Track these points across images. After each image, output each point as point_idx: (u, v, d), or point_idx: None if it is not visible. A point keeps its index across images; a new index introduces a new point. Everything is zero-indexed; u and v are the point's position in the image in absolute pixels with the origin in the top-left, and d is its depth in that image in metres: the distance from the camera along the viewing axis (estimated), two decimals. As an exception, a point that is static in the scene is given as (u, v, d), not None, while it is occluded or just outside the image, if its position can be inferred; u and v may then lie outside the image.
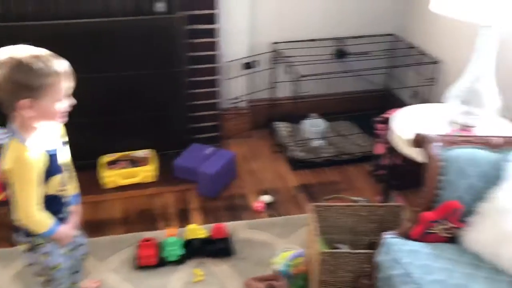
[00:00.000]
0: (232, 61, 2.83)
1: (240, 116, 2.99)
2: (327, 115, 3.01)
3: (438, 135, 1.60)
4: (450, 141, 1.59)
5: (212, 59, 2.70)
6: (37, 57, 1.31)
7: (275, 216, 2.39)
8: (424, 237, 1.54)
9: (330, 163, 2.78)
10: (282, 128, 3.00)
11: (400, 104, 2.70)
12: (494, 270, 1.41)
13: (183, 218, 2.37)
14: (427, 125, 2.03)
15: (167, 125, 2.70)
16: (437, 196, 1.55)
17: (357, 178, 2.70)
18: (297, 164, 2.76)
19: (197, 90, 2.75)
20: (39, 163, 1.38)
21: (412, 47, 2.91)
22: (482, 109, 1.92)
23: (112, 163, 2.57)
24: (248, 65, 2.89)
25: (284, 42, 2.90)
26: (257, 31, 2.89)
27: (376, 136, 2.60)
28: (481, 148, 1.59)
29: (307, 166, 2.76)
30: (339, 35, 3.01)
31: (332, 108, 3.11)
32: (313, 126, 2.83)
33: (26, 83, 1.30)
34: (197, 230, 2.16)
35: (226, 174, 2.58)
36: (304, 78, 2.61)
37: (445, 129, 1.96)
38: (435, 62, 2.73)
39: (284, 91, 2.97)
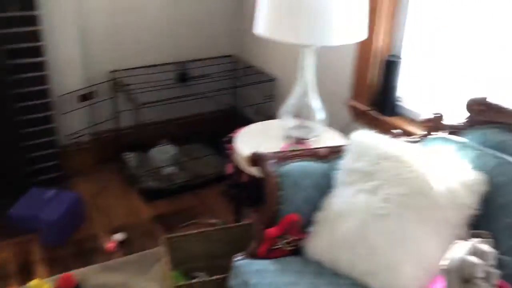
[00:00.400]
0: (66, 94, 2.64)
1: (83, 152, 2.80)
2: (178, 140, 2.97)
3: (271, 152, 1.65)
4: (283, 157, 1.65)
5: (43, 94, 2.49)
6: None
7: (129, 254, 2.27)
8: (270, 254, 1.57)
9: (184, 189, 2.74)
10: (131, 158, 2.88)
11: (247, 121, 2.77)
12: (335, 275, 1.48)
13: (25, 274, 2.12)
14: (265, 141, 2.10)
15: (-1, 171, 2.42)
16: (278, 212, 1.60)
17: (212, 201, 2.69)
18: (150, 195, 2.67)
19: (30, 129, 2.51)
20: None
21: (250, 67, 3.03)
22: (312, 122, 2.04)
23: None
24: (85, 97, 2.73)
25: (123, 69, 2.80)
26: (93, 60, 2.75)
27: (226, 156, 2.63)
28: (312, 160, 1.68)
29: (161, 195, 2.68)
30: (180, 59, 3.00)
31: (183, 132, 3.08)
32: (163, 153, 2.77)
33: None
34: (41, 285, 1.95)
35: (72, 217, 2.39)
36: (145, 106, 2.54)
37: (281, 144, 2.05)
38: (271, 80, 2.87)
39: (128, 120, 2.87)
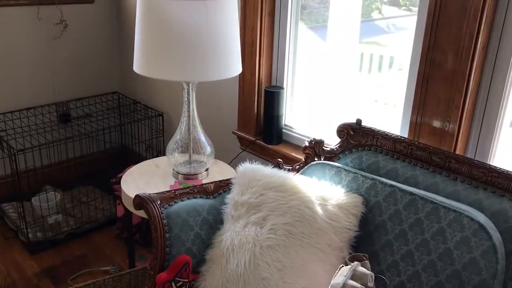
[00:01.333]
0: None
1: (-47, 208, 2.51)
2: (63, 185, 2.79)
3: (156, 193, 1.60)
4: (169, 197, 1.61)
5: None
6: None
7: (12, 317, 2.06)
8: (164, 300, 1.50)
9: (73, 237, 2.57)
10: (11, 209, 2.65)
11: (138, 159, 2.69)
12: (230, 312, 1.46)
13: None
14: (154, 180, 2.04)
15: None
16: (167, 254, 1.54)
17: (105, 246, 2.55)
18: (35, 247, 2.46)
19: None
20: None
21: (137, 103, 2.95)
22: (201, 156, 2.03)
23: None
24: (-49, 148, 2.47)
25: (-5, 115, 2.59)
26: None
27: (116, 198, 2.52)
28: (200, 197, 1.65)
29: (48, 246, 2.49)
30: (61, 99, 2.84)
31: (69, 176, 2.90)
32: (46, 200, 2.57)
33: None
34: None
35: None
36: (21, 152, 2.35)
37: (171, 182, 2.00)
38: (159, 115, 2.82)
39: (5, 168, 2.64)
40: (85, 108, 2.90)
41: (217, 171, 2.11)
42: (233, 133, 2.37)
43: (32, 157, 2.48)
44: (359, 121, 1.69)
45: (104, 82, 3.04)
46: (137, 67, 1.84)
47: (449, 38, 1.55)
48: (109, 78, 3.06)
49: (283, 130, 2.24)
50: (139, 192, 1.60)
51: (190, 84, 1.91)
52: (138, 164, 2.26)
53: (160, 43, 1.74)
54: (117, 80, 3.09)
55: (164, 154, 2.58)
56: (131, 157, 3.04)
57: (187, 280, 1.52)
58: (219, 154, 2.18)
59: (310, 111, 2.20)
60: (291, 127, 2.26)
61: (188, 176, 2.02)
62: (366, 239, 1.45)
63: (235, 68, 1.84)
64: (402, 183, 1.47)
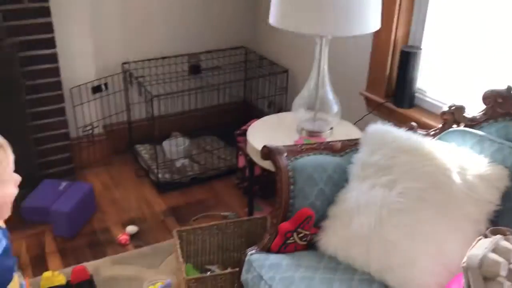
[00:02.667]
0: (78, 86, 2.63)
1: (96, 143, 2.79)
2: (190, 132, 2.95)
3: (284, 146, 1.62)
4: (296, 151, 1.62)
5: (55, 86, 2.48)
6: None
7: (142, 246, 2.26)
8: (284, 248, 1.54)
9: (197, 181, 2.72)
10: (144, 151, 2.87)
11: (259, 114, 2.74)
12: (349, 270, 1.45)
13: (39, 266, 2.12)
14: (278, 134, 2.06)
15: (10, 164, 2.42)
16: (291, 206, 1.57)
17: (224, 193, 2.67)
18: (163, 187, 2.66)
19: (42, 121, 2.51)
20: None
21: (263, 59, 2.98)
22: (326, 114, 2.00)
23: None
24: (97, 89, 2.72)
25: (134, 61, 2.78)
26: (104, 52, 2.73)
27: (238, 149, 2.60)
28: (326, 154, 1.64)
29: (174, 187, 2.67)
30: (192, 51, 2.97)
31: (195, 125, 3.06)
32: (175, 145, 2.75)
33: None
34: (54, 277, 1.94)
35: (84, 209, 2.38)
36: (156, 98, 2.51)
37: (295, 137, 2.01)
38: (284, 72, 2.83)
39: (141, 112, 2.85)
40: (214, 61, 3.00)
41: (342, 131, 2.07)
42: (361, 94, 2.29)
43: (166, 104, 2.64)
44: (510, 88, 1.53)
45: (233, 36, 3.10)
46: (273, 19, 1.84)
47: None
48: (237, 32, 3.11)
49: (416, 94, 2.12)
50: (265, 144, 1.63)
51: (324, 39, 1.87)
52: (262, 118, 2.31)
53: (299, -5, 1.71)
54: (245, 34, 3.13)
55: (286, 111, 2.60)
56: (252, 111, 3.10)
57: (308, 232, 1.54)
58: (344, 115, 2.13)
59: (448, 76, 2.04)
60: (424, 91, 2.12)
61: (312, 133, 2.01)
62: (509, 215, 1.34)
63: (373, 23, 1.76)
64: (557, 160, 1.32)
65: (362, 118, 2.26)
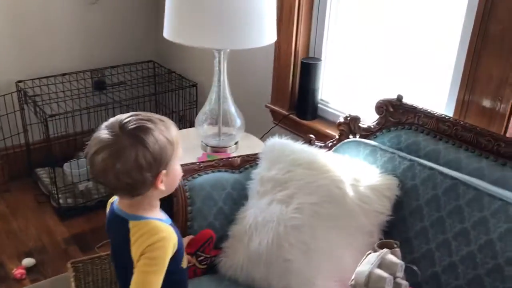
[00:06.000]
0: (-36, 108, 2.41)
1: (-11, 170, 2.56)
2: (97, 152, 2.78)
3: (180, 164, 1.54)
4: (194, 169, 1.55)
5: None
6: (158, 121, 1.19)
7: (40, 280, 2.07)
8: (183, 274, 1.46)
9: (103, 205, 2.54)
10: (45, 174, 2.67)
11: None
12: (250, 292, 1.39)
13: None
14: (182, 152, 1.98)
15: None
16: (189, 228, 1.49)
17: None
18: (65, 213, 2.47)
19: None
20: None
21: (172, 72, 2.90)
22: (230, 128, 1.95)
23: None
24: (-12, 110, 2.50)
25: (31, 79, 2.59)
26: (-4, 70, 2.52)
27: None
28: (225, 171, 1.59)
29: (78, 213, 2.49)
30: (95, 67, 2.82)
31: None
32: (77, 167, 2.57)
33: (161, 153, 1.13)
34: None
35: (-27, 244, 2.16)
36: (51, 118, 2.34)
37: (199, 154, 1.94)
38: (193, 86, 2.76)
39: (40, 133, 2.65)
40: (120, 76, 2.87)
41: (247, 145, 2.02)
42: (266, 106, 2.27)
43: (66, 123, 2.47)
44: (400, 97, 1.56)
45: (140, 50, 2.99)
46: (167, 33, 1.77)
47: (509, 6, 1.39)
48: (145, 46, 3.01)
49: (319, 105, 2.13)
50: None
51: (222, 52, 1.82)
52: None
53: (191, 8, 1.66)
54: (153, 48, 3.04)
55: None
56: (164, 127, 2.99)
57: (209, 255, 1.47)
58: (251, 129, 2.09)
59: (348, 86, 2.07)
60: (327, 102, 2.14)
61: (216, 149, 1.95)
62: (400, 224, 1.34)
63: (270, 36, 1.74)
64: (443, 166, 1.34)
65: (268, 131, 2.24)
